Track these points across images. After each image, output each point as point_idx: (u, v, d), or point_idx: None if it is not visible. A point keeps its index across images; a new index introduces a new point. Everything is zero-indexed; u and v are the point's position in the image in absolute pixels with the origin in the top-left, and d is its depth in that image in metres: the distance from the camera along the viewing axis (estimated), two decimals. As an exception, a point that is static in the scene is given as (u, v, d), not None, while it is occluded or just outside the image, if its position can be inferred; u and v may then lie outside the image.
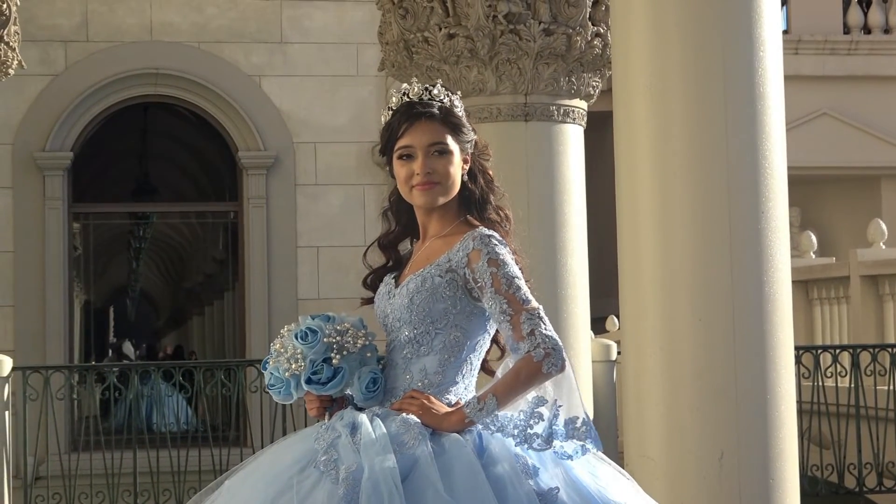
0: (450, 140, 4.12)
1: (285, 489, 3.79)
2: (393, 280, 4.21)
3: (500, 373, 4.08)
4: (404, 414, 3.94)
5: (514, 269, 3.98)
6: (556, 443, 3.94)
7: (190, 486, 12.13)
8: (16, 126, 15.96)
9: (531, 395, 3.97)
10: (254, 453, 11.38)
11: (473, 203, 4.18)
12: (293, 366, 4.00)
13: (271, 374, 4.08)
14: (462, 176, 4.15)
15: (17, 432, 12.06)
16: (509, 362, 4.02)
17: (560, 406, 3.97)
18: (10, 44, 11.37)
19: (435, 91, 4.17)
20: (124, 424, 13.79)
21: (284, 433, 12.16)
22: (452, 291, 4.02)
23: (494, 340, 4.16)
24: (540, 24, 10.54)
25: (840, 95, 21.44)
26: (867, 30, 22.95)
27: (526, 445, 3.91)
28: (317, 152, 16.58)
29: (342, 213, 16.57)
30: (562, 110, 10.88)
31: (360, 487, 3.70)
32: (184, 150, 19.43)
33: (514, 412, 3.97)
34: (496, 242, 4.00)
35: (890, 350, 13.04)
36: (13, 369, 11.95)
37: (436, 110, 4.12)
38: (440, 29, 10.59)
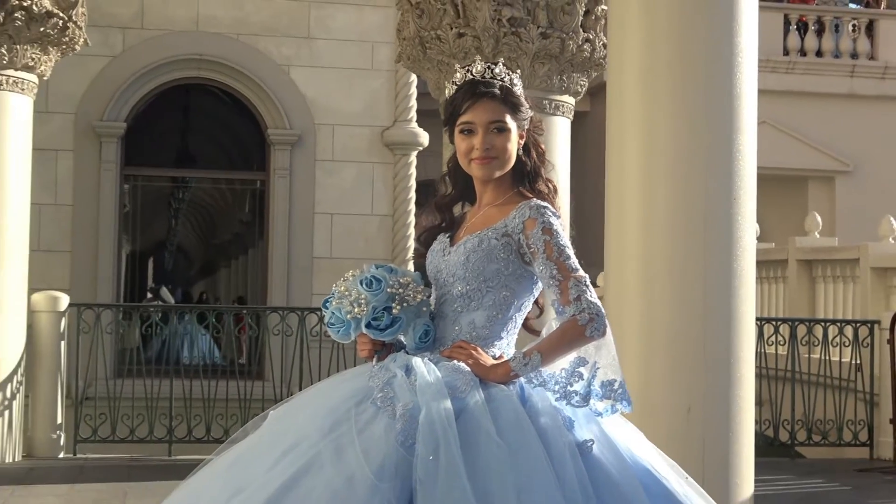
0: (508, 118, 3.76)
1: (342, 420, 3.44)
2: (447, 239, 3.85)
3: (544, 332, 3.73)
4: (455, 361, 3.60)
5: (566, 239, 3.66)
6: (592, 401, 3.61)
7: (218, 412, 11.93)
8: (79, 98, 15.74)
9: (572, 355, 3.64)
10: (271, 387, 11.21)
11: (526, 175, 3.83)
12: (356, 309, 3.67)
13: (332, 313, 3.73)
14: (518, 150, 3.79)
15: (70, 360, 11.79)
16: (553, 324, 3.69)
17: (598, 368, 3.64)
18: (78, 23, 11.05)
19: (497, 70, 3.80)
20: (160, 357, 13.57)
21: (301, 371, 11.94)
22: (506, 254, 3.68)
23: (534, 301, 3.83)
24: (538, 28, 10.33)
25: (778, 107, 21.18)
26: (803, 52, 22.93)
27: (565, 402, 3.59)
28: (335, 133, 16.43)
29: (354, 186, 16.41)
30: (553, 104, 10.68)
31: (418, 425, 3.37)
32: (220, 126, 19.17)
33: (555, 370, 3.65)
34: (550, 213, 3.67)
35: (823, 324, 12.89)
36: (69, 306, 11.73)
37: (497, 90, 3.76)
38: (451, 28, 10.37)
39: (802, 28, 23.15)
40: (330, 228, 16.27)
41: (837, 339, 12.75)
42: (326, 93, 16.30)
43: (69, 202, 15.62)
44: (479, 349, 3.64)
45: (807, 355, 12.79)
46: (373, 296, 3.66)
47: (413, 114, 16.49)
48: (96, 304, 12.71)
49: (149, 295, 24.14)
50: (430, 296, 3.77)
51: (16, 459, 11.04)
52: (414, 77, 16.17)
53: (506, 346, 3.73)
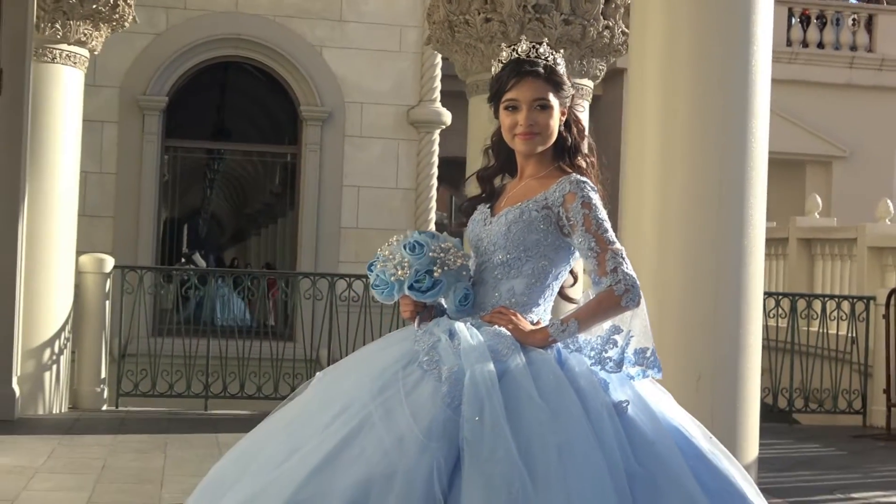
0: (551, 97, 3.69)
1: (391, 383, 3.39)
2: (488, 209, 3.78)
3: (582, 301, 3.66)
4: (496, 326, 3.54)
5: (603, 213, 3.58)
6: (625, 367, 3.55)
7: (251, 370, 11.92)
8: (124, 73, 15.71)
9: (607, 324, 3.57)
10: (301, 348, 11.21)
11: (566, 149, 3.76)
12: (399, 272, 3.60)
13: (377, 276, 3.67)
14: (559, 126, 3.72)
15: (113, 318, 11.80)
16: (590, 293, 3.61)
17: (632, 336, 3.57)
18: (128, 1, 11.02)
19: (541, 50, 3.73)
20: (196, 317, 13.59)
21: (329, 333, 11.93)
22: (546, 226, 3.60)
23: (570, 270, 3.77)
24: (561, 15, 10.26)
25: (780, 95, 20.85)
26: (805, 44, 22.83)
27: (599, 367, 3.53)
28: (363, 111, 16.38)
29: (380, 161, 16.38)
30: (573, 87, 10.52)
31: (463, 387, 3.31)
32: (256, 102, 19.16)
33: (590, 337, 3.59)
34: (589, 188, 3.60)
35: (822, 299, 12.85)
36: (114, 267, 11.74)
37: (541, 69, 3.69)
38: (479, 13, 10.30)
39: (805, 21, 23.07)
40: (357, 200, 16.24)
41: (835, 313, 12.73)
42: (356, 72, 16.24)
43: (113, 171, 15.62)
44: (518, 315, 3.58)
45: (806, 328, 12.73)
46: (415, 259, 3.59)
47: (437, 94, 16.46)
48: (140, 267, 12.67)
49: (182, 260, 24.17)
50: (470, 261, 3.70)
51: (62, 411, 11.05)
52: (439, 59, 16.16)
53: (542, 313, 3.67)
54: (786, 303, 12.71)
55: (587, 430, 3.30)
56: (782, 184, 21.40)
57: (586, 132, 3.81)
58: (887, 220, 14.25)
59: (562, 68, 3.74)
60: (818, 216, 15.58)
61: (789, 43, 22.54)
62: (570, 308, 3.67)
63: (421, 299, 3.62)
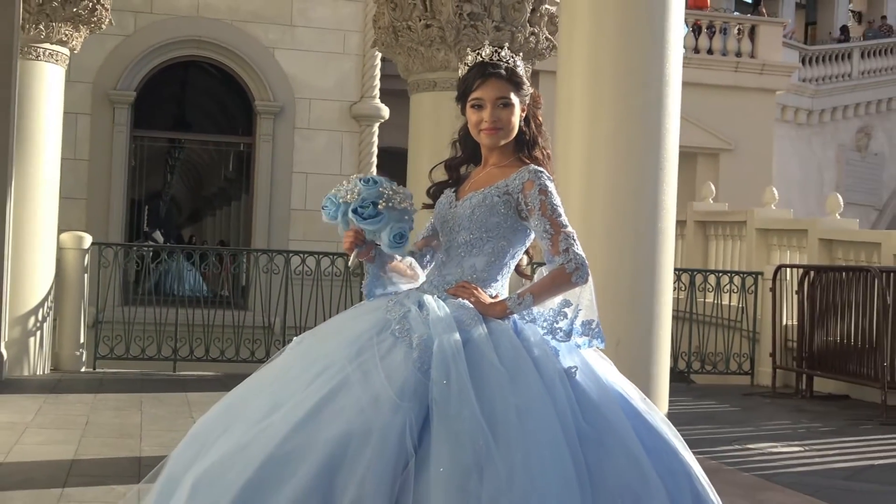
0: (512, 95, 3.65)
1: (366, 347, 3.33)
2: (453, 193, 3.73)
3: (536, 278, 3.62)
4: (460, 299, 3.51)
5: (558, 200, 3.55)
6: (573, 337, 3.52)
7: (215, 336, 11.80)
8: (96, 70, 15.50)
9: (558, 298, 3.54)
10: (260, 316, 11.10)
11: (525, 142, 3.71)
12: (348, 196, 3.52)
13: (329, 198, 3.59)
14: (519, 121, 3.69)
15: (91, 289, 11.62)
16: (544, 270, 3.58)
17: (580, 310, 3.54)
18: (105, 5, 10.81)
19: (503, 53, 3.67)
20: (165, 288, 13.44)
21: (285, 304, 11.82)
22: (506, 210, 3.57)
23: (525, 251, 3.73)
24: (493, 22, 10.23)
25: (675, 94, 21.17)
26: (697, 50, 23.02)
27: (551, 336, 3.49)
28: (311, 106, 16.30)
29: (325, 150, 16.30)
30: (502, 87, 10.46)
31: (432, 353, 3.26)
32: (215, 97, 18.95)
33: (544, 309, 3.55)
34: (546, 177, 3.57)
35: (716, 274, 12.95)
36: (92, 244, 11.58)
37: (503, 71, 3.64)
38: (420, 20, 10.25)
39: (697, 30, 23.24)
40: (305, 185, 16.16)
41: (727, 286, 12.84)
42: (305, 72, 16.16)
43: (86, 157, 15.45)
44: (479, 289, 3.54)
45: (702, 299, 12.85)
46: (366, 189, 3.51)
47: (377, 91, 16.43)
48: (115, 244, 12.48)
49: (143, 237, 23.84)
50: (415, 212, 3.63)
51: (45, 372, 10.87)
52: (379, 60, 16.11)
53: (500, 288, 3.63)
54: (685, 277, 12.79)
55: (542, 394, 3.25)
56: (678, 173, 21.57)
57: (543, 126, 3.78)
58: (772, 206, 14.43)
59: (521, 70, 3.69)
60: (712, 201, 15.71)
61: (683, 49, 22.67)
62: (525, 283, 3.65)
63: (360, 225, 3.52)
